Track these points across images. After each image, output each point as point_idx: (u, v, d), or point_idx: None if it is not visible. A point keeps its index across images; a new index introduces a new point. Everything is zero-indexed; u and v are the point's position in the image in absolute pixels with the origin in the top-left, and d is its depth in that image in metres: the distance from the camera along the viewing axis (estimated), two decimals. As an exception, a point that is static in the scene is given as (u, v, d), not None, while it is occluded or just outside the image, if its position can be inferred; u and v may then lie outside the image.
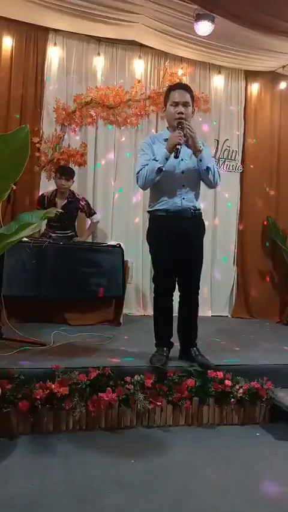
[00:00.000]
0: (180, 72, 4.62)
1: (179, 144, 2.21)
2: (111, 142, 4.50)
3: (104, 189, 4.48)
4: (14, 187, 2.15)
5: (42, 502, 1.62)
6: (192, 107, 2.42)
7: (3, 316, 2.88)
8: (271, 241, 4.83)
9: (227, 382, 2.38)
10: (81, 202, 4.04)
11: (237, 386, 2.39)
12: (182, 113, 2.32)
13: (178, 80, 4.58)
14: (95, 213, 4.15)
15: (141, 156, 2.42)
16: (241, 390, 2.38)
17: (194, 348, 2.55)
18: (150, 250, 2.57)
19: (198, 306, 2.59)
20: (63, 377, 2.21)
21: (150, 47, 4.50)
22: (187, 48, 4.36)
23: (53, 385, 2.16)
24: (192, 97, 2.40)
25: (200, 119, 4.73)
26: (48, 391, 2.14)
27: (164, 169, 2.28)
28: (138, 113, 4.51)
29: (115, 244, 3.73)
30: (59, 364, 2.29)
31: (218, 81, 4.80)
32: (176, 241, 2.40)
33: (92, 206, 4.18)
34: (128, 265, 3.80)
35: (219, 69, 4.75)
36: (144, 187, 2.43)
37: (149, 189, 2.50)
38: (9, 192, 2.19)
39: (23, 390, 2.13)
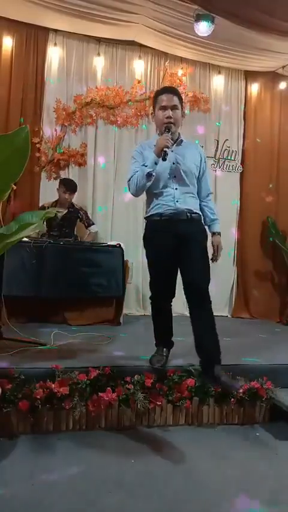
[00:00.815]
0: (180, 72, 4.62)
1: (167, 146, 2.15)
2: (111, 143, 4.51)
3: (104, 189, 4.49)
4: (14, 187, 2.15)
5: (42, 502, 1.62)
6: (182, 110, 2.37)
7: (3, 316, 2.88)
8: (271, 241, 4.83)
9: (227, 382, 2.38)
10: (81, 212, 4.12)
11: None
12: (171, 117, 2.28)
13: (178, 80, 4.60)
14: (93, 223, 4.19)
15: (133, 163, 2.37)
16: (241, 390, 2.38)
17: (218, 367, 2.20)
18: (146, 255, 2.47)
19: (212, 318, 2.29)
20: (63, 377, 2.21)
21: (150, 47, 4.51)
22: (187, 49, 4.36)
23: (53, 385, 2.16)
24: (180, 100, 2.34)
25: (201, 119, 4.73)
26: (48, 391, 2.14)
27: (154, 174, 2.22)
28: (138, 113, 4.51)
29: (115, 244, 3.73)
30: (59, 364, 2.29)
31: (218, 82, 4.80)
32: (173, 246, 2.29)
33: (90, 217, 4.23)
34: (128, 265, 3.80)
35: (219, 69, 4.76)
36: (136, 194, 2.36)
37: (145, 195, 2.45)
38: (9, 192, 2.19)
39: (23, 390, 2.13)
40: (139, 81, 4.51)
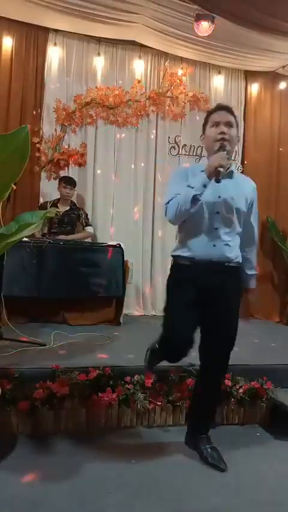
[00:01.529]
0: (180, 72, 4.62)
1: (222, 166, 1.75)
2: (111, 143, 4.51)
3: (104, 189, 4.48)
4: (14, 187, 2.14)
5: (42, 502, 1.62)
6: (237, 132, 1.96)
7: (3, 316, 2.88)
8: (271, 241, 4.83)
9: (227, 382, 2.38)
10: (81, 211, 4.15)
11: (237, 386, 2.40)
12: (225, 133, 1.87)
13: (178, 80, 4.59)
14: (90, 225, 4.20)
15: (173, 184, 1.94)
16: (241, 390, 2.38)
17: (205, 436, 2.03)
18: (166, 295, 2.03)
19: (220, 393, 2.13)
20: (63, 377, 2.21)
21: (150, 47, 4.50)
22: (187, 48, 4.36)
23: (53, 385, 2.16)
24: (236, 121, 1.96)
25: (198, 118, 4.73)
26: (48, 391, 2.14)
27: (201, 199, 1.80)
28: (138, 113, 4.51)
29: (115, 244, 3.73)
30: (59, 364, 2.29)
31: (218, 82, 4.80)
32: (201, 301, 1.87)
33: (90, 219, 4.24)
34: (128, 265, 3.80)
35: (219, 69, 4.75)
36: (174, 221, 1.92)
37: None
38: (9, 192, 2.19)
39: (23, 390, 2.13)
40: (139, 81, 4.51)
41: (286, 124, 4.97)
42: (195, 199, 1.79)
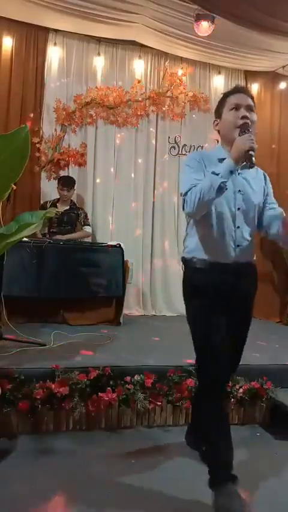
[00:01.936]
0: (180, 72, 4.62)
1: (253, 149, 1.54)
2: (111, 143, 4.50)
3: (104, 189, 4.48)
4: (14, 187, 2.14)
5: (42, 502, 1.62)
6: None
7: (3, 316, 2.88)
8: (271, 241, 4.80)
9: (227, 382, 2.38)
10: (81, 211, 4.16)
11: (237, 386, 2.39)
12: (247, 116, 1.65)
13: (178, 80, 4.59)
14: (89, 225, 4.20)
15: (189, 173, 1.68)
16: (241, 390, 2.38)
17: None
18: (189, 316, 1.77)
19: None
20: (63, 377, 2.21)
21: (150, 47, 4.50)
22: (187, 48, 4.36)
23: (53, 385, 2.16)
24: (255, 105, 1.74)
25: (201, 119, 4.73)
26: (48, 391, 2.14)
27: (227, 187, 1.57)
28: (138, 113, 4.51)
29: (115, 244, 3.73)
30: (59, 364, 2.29)
31: (218, 82, 4.80)
32: (225, 306, 1.68)
33: (89, 219, 4.23)
34: (128, 265, 3.80)
35: (219, 69, 4.76)
36: (195, 213, 1.65)
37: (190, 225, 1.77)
38: (9, 192, 2.19)
39: (22, 390, 2.13)
40: (139, 81, 4.51)
41: (286, 124, 4.97)
42: (221, 187, 1.54)
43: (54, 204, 4.03)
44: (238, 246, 1.67)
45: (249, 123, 1.64)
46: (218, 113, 1.77)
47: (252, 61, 4.52)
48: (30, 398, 2.11)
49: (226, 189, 1.56)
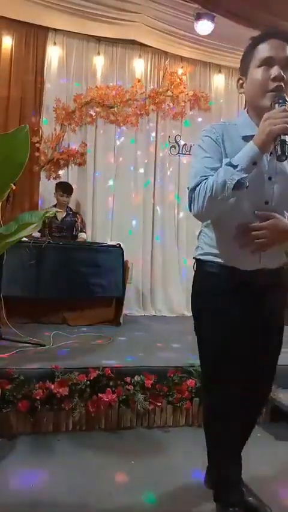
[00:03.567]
0: (180, 71, 4.61)
1: (287, 132, 1.12)
2: (111, 142, 4.50)
3: (104, 188, 4.48)
4: (14, 187, 2.14)
5: (42, 502, 1.61)
6: None
7: (3, 317, 2.87)
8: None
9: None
10: (78, 217, 4.18)
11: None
12: (283, 77, 1.21)
13: (178, 79, 4.57)
14: (84, 231, 4.21)
15: (201, 158, 1.29)
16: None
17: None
18: (196, 324, 1.45)
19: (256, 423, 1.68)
20: (63, 377, 2.20)
21: (150, 46, 4.50)
22: (187, 47, 4.35)
23: (52, 386, 2.15)
24: None
25: (200, 119, 4.72)
26: (47, 391, 2.14)
27: (247, 183, 1.17)
28: (138, 112, 4.50)
29: (115, 244, 3.72)
30: (59, 364, 2.28)
31: (218, 80, 4.79)
32: (251, 316, 1.36)
33: (85, 224, 4.26)
34: (128, 265, 3.80)
35: (219, 68, 4.75)
36: (204, 216, 1.30)
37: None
38: (8, 192, 2.19)
39: (22, 390, 2.13)
40: (139, 80, 4.50)
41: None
42: (239, 184, 1.16)
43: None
44: (262, 250, 1.30)
45: (284, 86, 1.21)
46: (243, 69, 1.32)
47: (252, 60, 4.51)
48: (29, 399, 2.11)
49: (247, 186, 1.17)
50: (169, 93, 4.59)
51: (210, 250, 1.39)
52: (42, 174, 4.30)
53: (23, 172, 2.03)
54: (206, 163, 1.26)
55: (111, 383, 2.26)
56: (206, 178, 1.22)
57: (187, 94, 4.60)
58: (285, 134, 1.12)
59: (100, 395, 2.20)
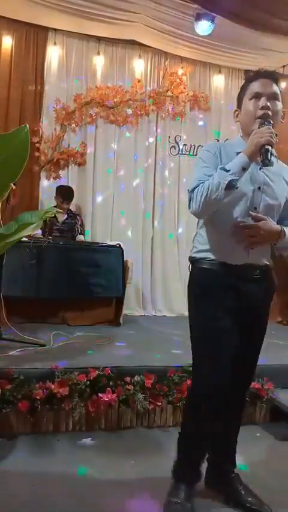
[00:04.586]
0: (180, 71, 4.62)
1: (271, 144, 1.40)
2: (111, 142, 4.50)
3: (104, 189, 4.48)
4: (14, 187, 2.14)
5: (42, 502, 1.61)
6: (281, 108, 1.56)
7: (3, 316, 2.87)
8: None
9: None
10: (78, 218, 4.17)
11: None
12: (268, 107, 1.48)
13: (178, 80, 4.58)
14: (83, 234, 4.21)
15: (200, 167, 1.55)
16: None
17: (234, 475, 1.69)
18: (192, 319, 1.62)
19: (244, 408, 1.79)
20: (63, 377, 2.20)
21: (150, 47, 4.50)
22: (187, 48, 4.35)
23: (52, 386, 2.15)
24: (280, 91, 1.56)
25: (200, 119, 4.73)
26: (47, 391, 2.14)
27: (238, 185, 1.43)
28: (139, 113, 4.51)
29: (115, 244, 3.73)
30: (59, 364, 2.28)
31: (218, 81, 4.79)
32: (238, 311, 1.55)
33: (84, 226, 4.26)
34: (128, 265, 3.80)
35: (219, 68, 4.75)
36: (201, 214, 1.53)
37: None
38: (8, 192, 2.19)
39: (22, 390, 2.13)
40: (139, 81, 4.50)
41: (286, 123, 4.95)
42: (231, 185, 1.40)
43: (54, 215, 4.04)
44: (252, 247, 1.54)
45: (270, 114, 1.48)
46: (239, 102, 1.60)
47: (252, 60, 4.50)
48: (30, 399, 2.11)
49: (237, 187, 1.42)
50: (169, 93, 4.59)
51: (203, 247, 1.60)
52: (42, 174, 4.30)
53: (23, 172, 2.04)
54: (205, 171, 1.51)
55: (111, 383, 2.27)
56: (203, 182, 1.47)
57: (187, 94, 4.60)
58: (269, 145, 1.40)
59: (100, 395, 2.20)
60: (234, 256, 1.54)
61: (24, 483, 1.73)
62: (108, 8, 3.72)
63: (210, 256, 1.57)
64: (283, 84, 4.80)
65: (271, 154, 1.40)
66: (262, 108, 1.49)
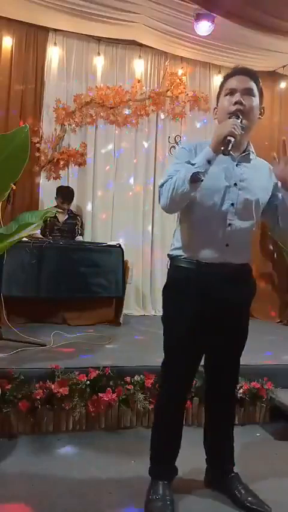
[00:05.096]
0: (180, 71, 4.62)
1: (233, 135, 1.36)
2: (111, 142, 4.50)
3: (104, 189, 4.48)
4: (14, 187, 2.14)
5: (42, 502, 1.61)
6: (261, 103, 1.55)
7: (3, 316, 2.88)
8: (271, 241, 4.83)
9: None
10: (78, 219, 4.17)
11: (237, 387, 2.39)
12: (241, 102, 1.46)
13: (178, 80, 4.58)
14: (82, 234, 4.21)
15: (174, 164, 1.54)
16: (241, 390, 2.37)
17: (233, 475, 1.69)
18: (165, 311, 1.64)
19: (235, 405, 1.85)
20: (63, 377, 2.20)
21: (150, 47, 4.51)
22: (187, 48, 4.36)
23: (53, 385, 2.15)
24: (259, 88, 1.53)
25: (200, 120, 4.73)
26: (48, 391, 2.14)
27: (203, 178, 1.39)
28: (138, 113, 4.51)
29: (115, 244, 3.73)
30: (59, 364, 2.28)
31: (218, 81, 4.78)
32: (208, 314, 1.53)
33: (84, 227, 4.26)
34: (128, 265, 3.80)
35: (219, 69, 4.75)
36: (169, 209, 1.51)
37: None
38: (9, 192, 2.19)
39: (23, 390, 2.13)
40: (139, 81, 4.50)
41: (286, 124, 4.97)
42: (195, 178, 1.36)
43: (55, 215, 4.04)
44: (227, 245, 1.50)
45: (243, 110, 1.46)
46: (217, 99, 1.59)
47: (252, 60, 4.50)
48: (30, 399, 2.11)
49: (201, 180, 1.38)
50: (169, 93, 4.59)
51: (178, 245, 1.59)
52: (43, 174, 4.30)
53: (23, 172, 2.04)
54: (176, 167, 1.49)
55: (111, 383, 2.27)
56: (171, 177, 1.46)
57: (187, 94, 4.61)
58: (231, 136, 1.37)
59: (100, 395, 2.20)
60: (207, 254, 1.51)
61: (24, 483, 1.73)
62: (109, 8, 3.72)
63: (184, 254, 1.56)
64: (283, 84, 4.85)
65: (232, 145, 1.36)
66: (235, 103, 1.47)
